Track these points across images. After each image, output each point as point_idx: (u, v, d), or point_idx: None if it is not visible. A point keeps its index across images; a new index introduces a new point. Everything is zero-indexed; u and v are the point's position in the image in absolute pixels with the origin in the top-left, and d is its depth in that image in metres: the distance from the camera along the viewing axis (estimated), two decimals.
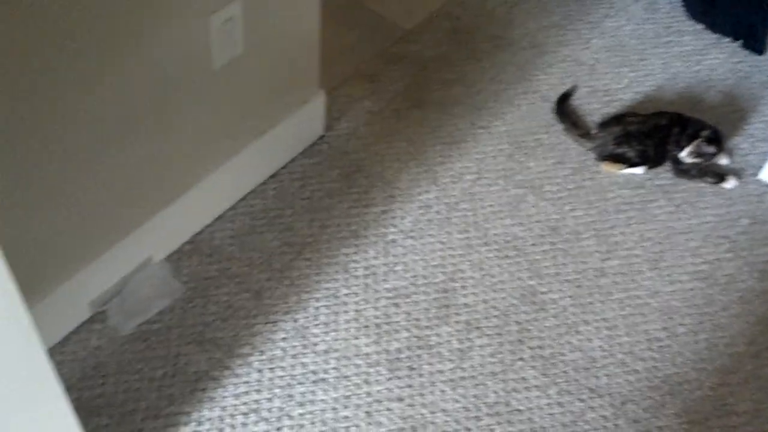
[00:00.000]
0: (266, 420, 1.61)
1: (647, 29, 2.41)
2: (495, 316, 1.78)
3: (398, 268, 1.84)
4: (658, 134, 2.04)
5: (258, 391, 1.64)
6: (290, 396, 1.64)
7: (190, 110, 1.64)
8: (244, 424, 1.60)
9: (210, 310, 1.74)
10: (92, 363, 1.65)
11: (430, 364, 1.70)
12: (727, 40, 2.39)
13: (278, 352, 1.70)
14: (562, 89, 2.21)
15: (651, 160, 2.04)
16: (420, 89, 2.21)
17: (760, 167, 2.08)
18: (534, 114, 2.18)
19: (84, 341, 1.68)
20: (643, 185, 2.05)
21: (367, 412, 1.63)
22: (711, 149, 2.00)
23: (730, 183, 2.04)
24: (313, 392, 1.65)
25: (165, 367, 1.66)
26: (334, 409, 1.63)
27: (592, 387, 1.69)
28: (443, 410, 1.64)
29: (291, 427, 1.60)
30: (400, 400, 1.65)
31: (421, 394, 1.66)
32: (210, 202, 1.86)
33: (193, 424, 1.59)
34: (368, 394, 1.65)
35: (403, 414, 1.63)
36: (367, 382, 1.67)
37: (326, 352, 1.70)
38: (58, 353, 1.65)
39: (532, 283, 1.84)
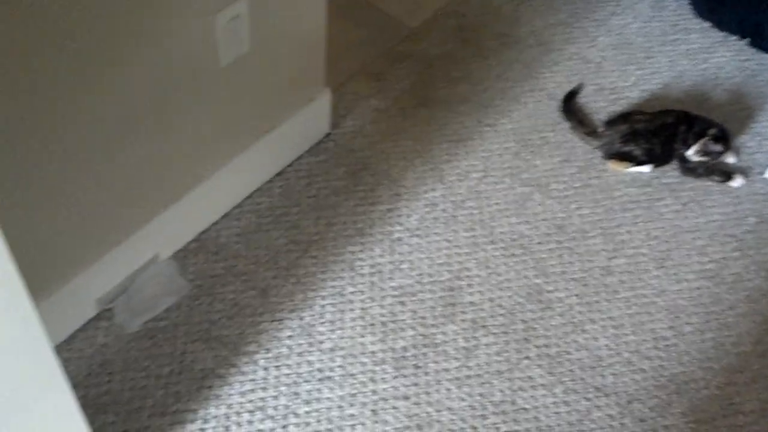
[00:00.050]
0: (272, 418, 1.61)
1: (654, 27, 2.41)
2: (501, 315, 1.78)
3: (404, 266, 1.84)
4: (665, 132, 2.03)
5: (264, 388, 1.65)
6: (296, 394, 1.64)
7: (197, 109, 1.64)
8: (250, 422, 1.60)
9: (216, 307, 1.75)
10: (99, 360, 1.65)
11: (435, 362, 1.70)
12: (734, 38, 2.38)
13: (284, 350, 1.70)
14: (568, 87, 2.21)
15: (658, 158, 2.04)
16: (426, 87, 2.20)
17: (767, 166, 2.07)
18: (540, 112, 2.17)
19: (90, 338, 1.68)
20: (650, 184, 2.04)
21: (372, 410, 1.63)
22: (718, 147, 1.99)
23: (737, 181, 2.04)
24: (319, 390, 1.65)
25: (171, 364, 1.66)
26: (339, 407, 1.63)
27: (598, 386, 1.69)
28: (449, 408, 1.64)
29: (297, 425, 1.60)
30: (406, 398, 1.65)
31: (427, 393, 1.66)
32: (216, 200, 1.86)
33: (200, 421, 1.60)
34: (374, 392, 1.65)
35: (409, 412, 1.63)
36: (372, 380, 1.67)
37: (332, 350, 1.70)
38: (64, 350, 1.65)
39: (538, 281, 1.84)
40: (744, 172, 2.07)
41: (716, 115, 2.13)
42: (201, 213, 1.84)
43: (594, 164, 2.07)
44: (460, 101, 2.18)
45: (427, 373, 1.68)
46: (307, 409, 1.62)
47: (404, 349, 1.72)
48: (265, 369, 1.67)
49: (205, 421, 1.60)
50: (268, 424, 1.60)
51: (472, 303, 1.79)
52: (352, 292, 1.79)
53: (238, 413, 1.61)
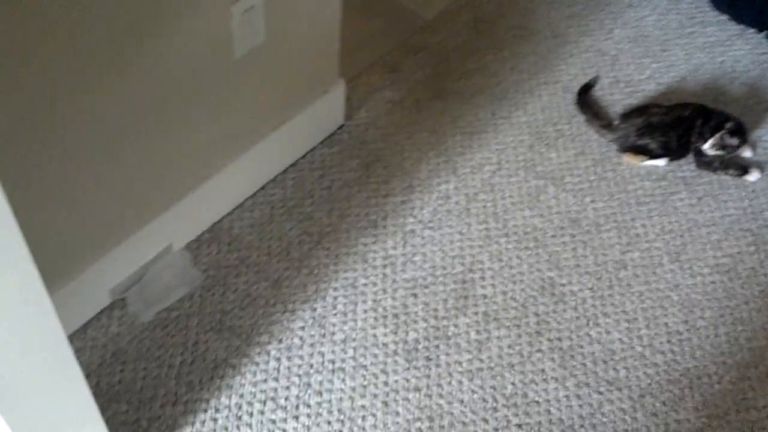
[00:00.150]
0: (284, 408, 1.61)
1: (670, 20, 2.39)
2: (513, 308, 1.78)
3: (417, 258, 1.84)
4: (681, 126, 2.02)
5: (276, 379, 1.65)
6: (308, 384, 1.65)
7: (211, 100, 1.64)
8: (262, 412, 1.61)
9: (229, 298, 1.75)
10: (112, 350, 1.66)
11: (447, 354, 1.70)
12: (752, 31, 2.36)
13: (296, 341, 1.70)
14: (583, 80, 2.20)
15: (673, 151, 2.03)
16: (440, 79, 2.20)
17: None
18: (555, 105, 2.16)
19: (104, 328, 1.69)
20: (665, 177, 2.03)
21: (384, 402, 1.63)
22: (734, 141, 1.98)
23: (754, 175, 2.02)
24: (330, 381, 1.65)
25: (184, 354, 1.67)
26: (351, 398, 1.63)
27: (610, 379, 1.68)
28: (460, 401, 1.64)
29: (308, 415, 1.61)
30: (417, 390, 1.65)
31: (439, 385, 1.66)
32: (230, 191, 1.86)
33: (211, 411, 1.60)
34: (385, 383, 1.66)
35: (420, 404, 1.63)
36: (384, 371, 1.67)
37: (344, 341, 1.71)
38: (78, 339, 1.67)
39: (551, 274, 1.83)
40: (760, 166, 2.05)
41: (733, 108, 2.12)
42: (214, 204, 1.85)
43: (609, 157, 2.06)
44: (475, 93, 2.17)
45: (438, 366, 1.68)
46: (318, 399, 1.63)
47: (416, 341, 1.72)
48: (277, 359, 1.68)
49: (217, 410, 1.61)
50: (280, 414, 1.61)
51: (484, 296, 1.79)
52: (364, 284, 1.79)
53: (249, 403, 1.62)
